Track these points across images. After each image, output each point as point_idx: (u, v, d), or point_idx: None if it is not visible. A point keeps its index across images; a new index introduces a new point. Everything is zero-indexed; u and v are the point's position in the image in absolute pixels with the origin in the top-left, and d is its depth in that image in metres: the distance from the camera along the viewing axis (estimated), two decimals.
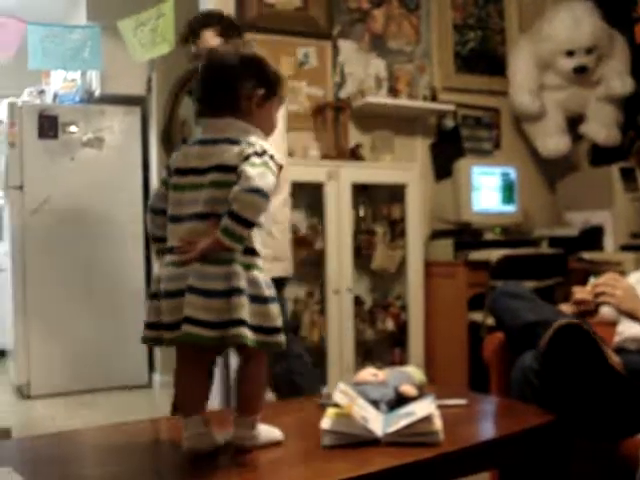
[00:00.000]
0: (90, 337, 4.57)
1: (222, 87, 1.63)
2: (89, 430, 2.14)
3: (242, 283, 1.51)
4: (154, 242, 1.70)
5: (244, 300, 1.50)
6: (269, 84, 1.66)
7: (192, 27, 2.87)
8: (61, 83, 5.25)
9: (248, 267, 1.54)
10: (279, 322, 1.56)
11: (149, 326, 1.59)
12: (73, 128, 4.79)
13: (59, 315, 4.61)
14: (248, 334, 1.49)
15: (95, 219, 4.75)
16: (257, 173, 1.50)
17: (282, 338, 1.56)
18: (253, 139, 1.58)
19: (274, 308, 1.55)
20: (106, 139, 4.89)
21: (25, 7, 3.64)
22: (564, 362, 1.95)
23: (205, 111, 1.65)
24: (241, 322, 1.49)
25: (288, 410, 2.08)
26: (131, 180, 4.97)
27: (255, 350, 1.55)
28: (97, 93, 5.03)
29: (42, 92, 5.23)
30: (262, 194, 1.49)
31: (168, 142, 4.96)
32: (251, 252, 1.56)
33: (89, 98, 5.16)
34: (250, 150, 1.54)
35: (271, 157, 1.55)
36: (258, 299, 1.53)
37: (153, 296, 1.59)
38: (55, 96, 5.22)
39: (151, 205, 1.67)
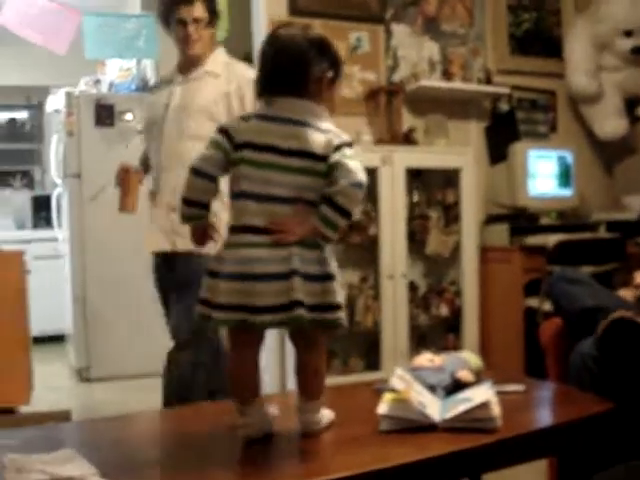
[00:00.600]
0: (147, 321, 4.63)
1: (295, 68, 1.62)
2: (146, 413, 2.18)
3: (333, 268, 1.57)
4: (189, 206, 1.64)
5: (338, 285, 1.57)
6: (336, 66, 1.69)
7: None
8: (117, 72, 5.32)
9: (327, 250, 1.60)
10: None
11: (235, 308, 1.54)
12: (129, 116, 4.86)
13: (117, 300, 4.69)
14: (342, 316, 1.56)
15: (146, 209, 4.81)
16: (357, 166, 1.57)
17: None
18: (331, 126, 1.62)
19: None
20: None
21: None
22: (619, 352, 1.93)
23: (274, 89, 1.64)
24: (338, 306, 1.56)
25: (343, 395, 2.08)
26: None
27: (318, 335, 1.59)
28: (152, 81, 5.08)
29: (98, 81, 5.31)
30: (363, 187, 1.58)
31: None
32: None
33: (144, 86, 5.22)
34: (337, 140, 1.59)
35: (352, 144, 1.62)
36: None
37: (238, 277, 1.53)
38: (111, 85, 5.30)
39: (198, 167, 1.61)
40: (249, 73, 2.75)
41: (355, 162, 1.57)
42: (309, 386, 1.62)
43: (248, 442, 1.57)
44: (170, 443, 1.66)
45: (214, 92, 2.76)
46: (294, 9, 3.93)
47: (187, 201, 1.64)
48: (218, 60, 2.85)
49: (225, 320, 1.57)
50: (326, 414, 1.65)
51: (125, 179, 2.75)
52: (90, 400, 2.76)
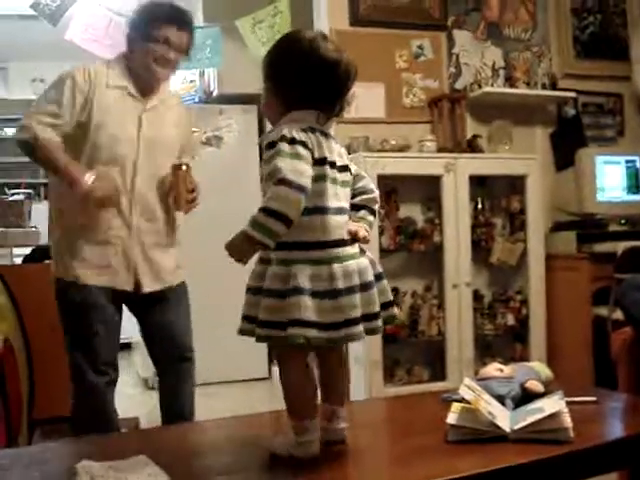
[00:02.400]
0: (212, 331, 4.68)
1: (345, 92, 1.62)
2: (212, 421, 2.19)
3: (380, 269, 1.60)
4: (287, 225, 1.46)
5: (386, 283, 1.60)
6: None
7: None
8: (181, 84, 5.42)
9: None
10: None
11: (356, 321, 1.50)
12: (194, 127, 4.92)
13: None
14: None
15: (214, 215, 4.87)
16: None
17: None
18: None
19: None
20: (225, 137, 5.00)
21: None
22: None
23: (330, 111, 1.61)
24: (392, 303, 1.60)
25: (409, 405, 2.07)
26: (248, 177, 5.07)
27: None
28: (215, 93, 5.16)
29: None
30: None
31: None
32: None
33: (207, 98, 5.30)
34: (344, 150, 1.65)
35: None
36: None
37: (326, 295, 1.47)
38: None
39: (304, 185, 1.47)
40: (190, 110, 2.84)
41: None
42: (341, 394, 1.64)
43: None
44: (239, 450, 1.66)
45: (175, 127, 2.73)
46: (355, 19, 3.94)
47: (287, 220, 1.45)
48: (167, 88, 2.82)
49: (331, 339, 1.49)
50: None
51: (174, 176, 2.63)
52: (156, 408, 2.81)
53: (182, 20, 2.60)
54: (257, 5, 4.01)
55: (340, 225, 1.55)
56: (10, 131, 7.28)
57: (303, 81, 1.57)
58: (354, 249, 1.55)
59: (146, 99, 2.63)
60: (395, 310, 1.61)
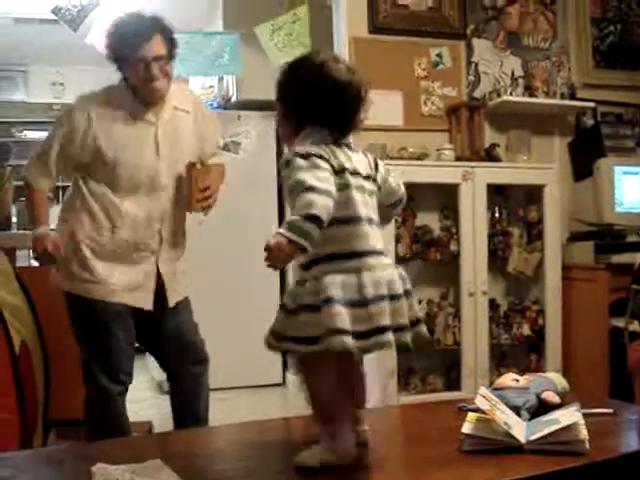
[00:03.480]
0: (227, 336, 4.69)
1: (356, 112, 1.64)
2: (226, 426, 2.19)
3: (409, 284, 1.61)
4: (321, 229, 1.46)
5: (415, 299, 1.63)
6: None
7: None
8: (199, 90, 5.44)
9: None
10: None
11: (363, 335, 1.49)
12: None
13: (197, 315, 4.76)
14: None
15: (231, 220, 4.88)
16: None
17: None
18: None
19: None
20: (242, 143, 5.02)
21: (163, 17, 3.77)
22: None
23: (343, 128, 1.63)
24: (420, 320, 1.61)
25: (425, 414, 2.06)
26: (266, 183, 5.09)
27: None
28: (233, 99, 5.18)
29: None
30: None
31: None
32: None
33: (226, 104, 5.32)
34: (372, 158, 1.70)
35: None
36: None
37: (354, 304, 1.49)
38: None
39: (331, 191, 1.50)
40: (205, 106, 2.92)
41: (391, 175, 1.73)
42: (363, 394, 1.66)
43: None
44: (253, 456, 1.66)
45: (191, 134, 2.71)
46: (375, 26, 3.94)
47: (322, 223, 1.45)
48: (185, 94, 2.77)
49: (362, 347, 1.50)
50: None
51: (187, 175, 2.62)
52: (170, 412, 2.82)
53: (146, 30, 2.51)
54: (276, 11, 4.03)
55: (369, 235, 1.57)
56: (30, 134, 7.35)
57: (312, 103, 1.61)
58: (384, 260, 1.57)
59: (156, 114, 2.62)
60: (424, 328, 1.61)
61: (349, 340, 1.44)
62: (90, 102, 2.58)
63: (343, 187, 1.54)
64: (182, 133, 2.68)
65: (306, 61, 1.67)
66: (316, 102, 1.60)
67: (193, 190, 2.60)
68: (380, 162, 1.71)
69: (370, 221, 1.58)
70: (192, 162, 2.62)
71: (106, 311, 2.57)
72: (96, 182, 2.59)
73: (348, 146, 1.63)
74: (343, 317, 1.45)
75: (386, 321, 1.49)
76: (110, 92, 2.62)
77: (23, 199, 3.94)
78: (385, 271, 1.54)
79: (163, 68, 2.54)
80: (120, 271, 2.59)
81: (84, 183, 2.61)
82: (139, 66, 2.49)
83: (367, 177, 1.62)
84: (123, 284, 2.58)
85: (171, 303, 2.69)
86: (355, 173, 1.58)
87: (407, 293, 1.57)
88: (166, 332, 2.74)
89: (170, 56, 2.58)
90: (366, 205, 1.58)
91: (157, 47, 2.51)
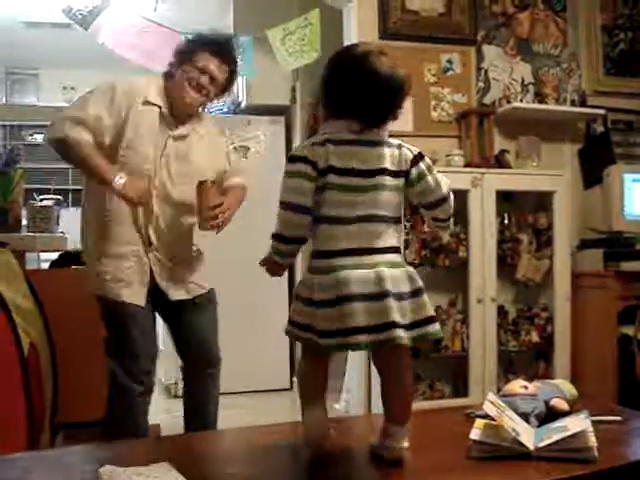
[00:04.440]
0: (235, 341, 4.69)
1: (399, 107, 1.65)
2: (234, 430, 2.20)
3: (420, 282, 1.61)
4: (287, 244, 1.64)
5: (427, 298, 1.60)
6: None
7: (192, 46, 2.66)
8: None
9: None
10: None
11: (331, 334, 1.54)
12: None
13: None
14: (439, 327, 1.62)
15: (241, 226, 4.87)
16: (440, 179, 1.71)
17: None
18: (398, 141, 1.68)
19: None
20: (252, 148, 5.03)
21: (174, 20, 3.78)
22: None
23: (368, 119, 1.63)
24: (434, 318, 1.60)
25: (433, 420, 2.05)
26: (275, 187, 5.07)
27: (407, 356, 1.58)
28: (243, 104, 5.19)
29: None
30: (449, 199, 1.73)
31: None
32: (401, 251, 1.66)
33: (235, 109, 5.33)
34: (411, 154, 1.66)
35: (424, 155, 1.71)
36: None
37: (328, 303, 1.54)
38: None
39: (297, 203, 1.60)
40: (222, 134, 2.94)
41: (434, 174, 1.69)
42: (399, 410, 1.59)
43: (330, 463, 1.57)
44: (261, 460, 1.66)
45: (202, 155, 2.73)
46: (385, 32, 3.95)
47: (285, 239, 1.64)
48: (206, 123, 2.81)
49: (366, 342, 1.55)
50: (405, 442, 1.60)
51: (197, 192, 2.61)
52: (178, 416, 2.82)
53: (226, 56, 2.64)
54: (287, 17, 4.04)
55: (349, 234, 1.58)
56: (40, 137, 7.37)
57: (342, 92, 1.63)
58: (375, 259, 1.56)
59: (177, 125, 2.66)
60: (434, 327, 1.59)
61: (325, 340, 1.55)
62: (131, 80, 2.66)
63: (324, 187, 1.59)
64: (194, 152, 2.70)
65: (349, 50, 1.70)
66: (346, 92, 1.63)
67: (202, 207, 2.60)
68: (425, 160, 1.68)
69: (363, 218, 1.58)
70: (201, 180, 2.60)
71: (121, 310, 2.60)
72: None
73: (368, 142, 1.62)
74: (302, 314, 1.60)
75: (355, 323, 1.51)
76: (149, 81, 2.69)
77: (33, 202, 3.96)
78: (372, 269, 1.55)
79: (209, 88, 2.63)
80: (114, 266, 2.61)
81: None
82: (195, 71, 2.58)
83: (370, 172, 1.60)
84: (115, 279, 2.60)
85: (173, 297, 2.70)
86: (347, 172, 1.58)
87: (415, 292, 1.58)
88: (184, 330, 2.79)
89: (222, 88, 2.69)
90: (355, 204, 1.58)
91: (221, 72, 2.63)
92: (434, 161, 3.80)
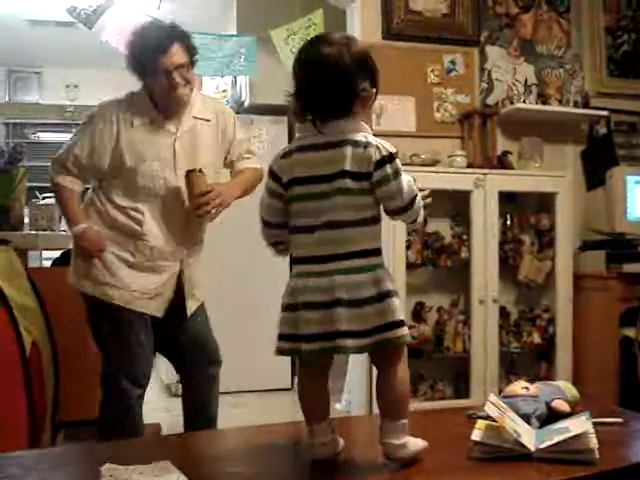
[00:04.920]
0: (235, 341, 4.69)
1: (341, 90, 1.56)
2: (234, 430, 2.20)
3: (389, 285, 1.54)
4: (273, 246, 1.76)
5: (395, 301, 1.53)
6: (376, 81, 1.63)
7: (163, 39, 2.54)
8: (212, 94, 5.45)
9: (384, 266, 1.58)
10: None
11: (285, 337, 1.58)
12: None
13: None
14: (404, 332, 1.54)
15: (242, 224, 4.87)
16: (398, 186, 1.57)
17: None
18: (373, 139, 1.57)
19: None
20: (254, 147, 5.01)
21: (177, 20, 3.78)
22: None
23: (317, 114, 1.58)
24: (399, 323, 1.53)
25: (434, 420, 2.05)
26: None
27: (394, 354, 1.56)
28: (246, 103, 5.19)
29: None
30: (414, 204, 1.62)
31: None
32: (381, 252, 1.59)
33: (238, 108, 5.32)
34: (378, 155, 1.55)
35: (395, 156, 1.58)
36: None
37: (288, 308, 1.58)
38: None
39: (263, 217, 1.69)
40: (230, 112, 2.84)
41: (399, 180, 1.57)
42: (387, 405, 1.58)
43: (334, 466, 1.57)
44: (262, 459, 1.66)
45: (212, 144, 2.70)
46: (388, 32, 3.95)
47: (271, 244, 1.76)
48: (206, 103, 2.75)
49: (282, 349, 1.59)
50: (413, 442, 1.58)
51: (187, 182, 2.58)
52: (179, 415, 2.82)
53: (166, 39, 2.52)
54: (290, 17, 4.05)
55: (311, 242, 1.57)
56: (43, 135, 7.39)
57: (294, 91, 1.60)
58: (338, 265, 1.53)
59: (176, 124, 2.62)
60: (396, 332, 1.52)
61: (280, 344, 1.60)
62: (115, 106, 2.60)
63: (290, 199, 1.61)
64: (201, 143, 2.67)
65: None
66: (295, 89, 1.60)
67: (190, 197, 2.58)
68: (393, 163, 1.56)
69: (328, 225, 1.55)
70: (188, 170, 2.57)
71: (127, 315, 2.59)
72: (116, 192, 2.60)
73: (330, 144, 1.56)
74: (295, 321, 1.56)
75: (304, 330, 1.53)
76: (132, 99, 2.63)
77: (35, 200, 3.97)
78: (325, 277, 1.52)
79: (184, 76, 2.55)
80: (143, 279, 2.60)
81: (104, 193, 2.62)
82: (161, 76, 2.50)
83: (330, 177, 1.54)
84: (144, 292, 2.60)
85: (189, 311, 2.71)
86: (308, 180, 1.57)
87: (379, 297, 1.52)
88: (183, 334, 2.75)
89: (191, 63, 2.59)
90: (319, 211, 1.55)
91: (177, 56, 2.52)
92: (437, 162, 3.81)
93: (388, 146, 1.58)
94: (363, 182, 1.55)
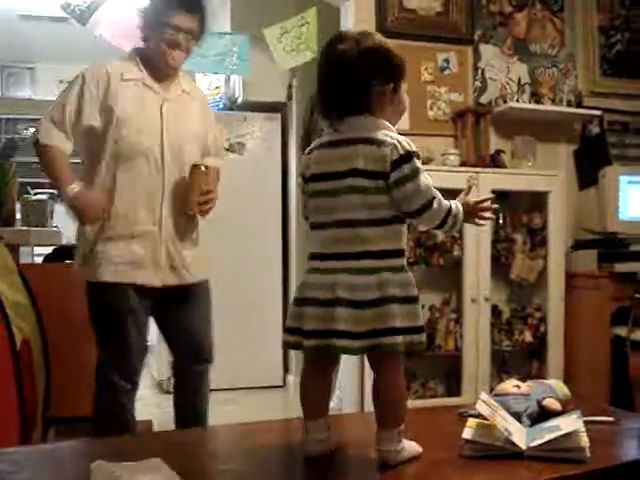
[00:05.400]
0: (228, 337, 4.68)
1: (352, 86, 1.56)
2: (226, 427, 2.20)
3: (394, 290, 1.50)
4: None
5: (396, 307, 1.49)
6: (397, 74, 1.63)
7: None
8: (206, 91, 5.44)
9: (399, 270, 1.54)
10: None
11: (290, 331, 1.60)
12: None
13: None
14: (398, 341, 1.49)
15: (236, 220, 4.89)
16: (417, 188, 1.54)
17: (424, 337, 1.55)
18: (393, 137, 1.56)
19: (419, 307, 1.55)
20: (247, 144, 5.03)
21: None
22: None
23: (333, 110, 1.60)
24: (395, 331, 1.49)
25: (425, 418, 2.06)
26: (271, 184, 5.09)
27: (389, 361, 1.54)
28: (240, 100, 5.19)
29: None
30: (437, 200, 1.59)
31: (307, 147, 5.06)
32: (400, 254, 1.57)
33: (232, 105, 5.33)
34: (395, 154, 1.53)
35: (414, 155, 1.56)
36: (408, 300, 1.52)
37: (296, 302, 1.60)
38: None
39: (305, 215, 1.71)
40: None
41: (416, 181, 1.54)
42: (383, 413, 1.56)
43: (326, 463, 1.57)
44: (253, 456, 1.66)
45: (199, 120, 2.73)
46: (382, 30, 3.93)
47: None
48: (193, 84, 2.83)
49: (287, 342, 1.61)
50: (408, 447, 1.57)
51: (191, 176, 2.59)
52: (170, 412, 2.82)
53: (192, 4, 2.61)
54: (284, 15, 4.04)
55: (321, 238, 1.58)
56: None
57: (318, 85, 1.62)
58: (345, 264, 1.52)
59: (164, 89, 2.64)
60: (391, 339, 1.48)
61: (285, 336, 1.62)
62: (106, 63, 2.62)
63: (310, 194, 1.63)
64: (189, 115, 2.69)
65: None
66: (317, 86, 1.62)
67: (194, 193, 2.58)
68: (411, 163, 1.54)
69: (340, 223, 1.55)
70: (195, 163, 2.59)
71: (119, 304, 2.55)
72: (97, 157, 2.56)
73: (345, 141, 1.57)
74: (290, 314, 1.61)
75: (306, 325, 1.53)
76: (123, 59, 2.68)
77: (27, 196, 3.95)
78: (330, 275, 1.53)
79: (187, 43, 2.61)
80: (120, 247, 2.55)
81: (90, 162, 2.60)
82: (168, 32, 2.55)
83: (343, 175, 1.54)
84: (124, 261, 2.54)
85: (167, 282, 2.62)
86: (321, 177, 1.59)
87: (380, 301, 1.49)
88: (177, 327, 2.74)
89: (198, 37, 2.65)
90: (332, 208, 1.56)
91: (193, 22, 2.59)
92: (430, 160, 3.81)
93: (407, 144, 1.56)
94: (378, 181, 1.53)
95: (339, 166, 1.55)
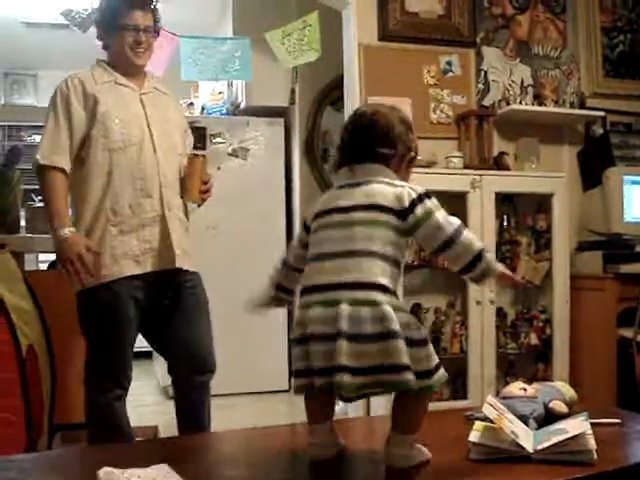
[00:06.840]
0: (233, 343, 4.68)
1: (384, 139, 1.67)
2: (233, 432, 2.19)
3: (397, 326, 1.46)
4: (273, 289, 1.81)
5: (402, 343, 1.46)
6: (416, 150, 1.75)
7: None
8: (209, 96, 5.46)
9: (396, 308, 1.50)
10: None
11: (300, 374, 1.54)
12: (220, 139, 4.95)
13: None
14: (408, 377, 1.46)
15: (239, 224, 4.89)
16: (444, 220, 1.59)
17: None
18: (401, 183, 1.63)
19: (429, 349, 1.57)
20: (251, 149, 5.03)
21: (174, 22, 3.77)
22: None
23: (358, 158, 1.68)
24: (402, 367, 1.46)
25: (432, 421, 2.05)
26: (274, 188, 5.09)
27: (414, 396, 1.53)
28: (242, 105, 5.19)
29: (191, 104, 5.45)
30: (464, 231, 1.61)
31: (310, 152, 5.06)
32: (393, 292, 1.54)
33: (235, 110, 5.33)
34: (414, 194, 1.58)
35: (429, 195, 1.61)
36: (411, 342, 1.51)
37: (300, 340, 1.53)
38: (203, 108, 5.43)
39: (284, 258, 1.79)
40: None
41: (439, 213, 1.59)
42: (400, 419, 1.56)
43: (332, 468, 1.57)
44: (260, 461, 1.66)
45: (173, 109, 2.82)
46: (384, 34, 3.95)
47: (274, 285, 1.83)
48: (159, 80, 2.90)
49: (300, 386, 1.56)
50: (418, 453, 1.56)
51: (191, 166, 2.66)
52: (175, 418, 2.81)
53: (142, 2, 2.67)
54: (285, 20, 4.04)
55: (323, 270, 1.56)
56: (39, 138, 7.35)
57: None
58: (332, 295, 1.50)
59: (138, 86, 2.71)
60: (396, 377, 1.45)
61: (297, 381, 1.56)
62: (77, 74, 2.70)
63: (314, 230, 1.66)
64: (165, 106, 2.76)
65: None
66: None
67: (196, 182, 2.66)
68: (424, 203, 1.58)
69: (342, 254, 1.55)
70: (195, 153, 2.68)
71: (112, 311, 2.54)
72: (89, 157, 2.58)
73: (355, 183, 1.64)
74: (295, 356, 1.56)
75: (313, 362, 1.49)
76: (91, 69, 2.73)
77: (31, 203, 3.95)
78: (333, 307, 1.48)
79: (148, 39, 2.68)
80: (131, 239, 2.56)
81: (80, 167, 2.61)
82: (128, 33, 2.63)
83: (354, 208, 1.59)
84: (136, 252, 2.56)
85: (179, 264, 2.63)
86: (328, 212, 1.63)
87: (382, 335, 1.45)
88: (177, 338, 2.70)
89: (155, 30, 2.74)
90: (336, 239, 1.58)
91: (147, 19, 2.67)
92: (433, 163, 3.81)
93: (419, 188, 1.61)
94: (395, 217, 1.57)
95: (358, 200, 1.60)
